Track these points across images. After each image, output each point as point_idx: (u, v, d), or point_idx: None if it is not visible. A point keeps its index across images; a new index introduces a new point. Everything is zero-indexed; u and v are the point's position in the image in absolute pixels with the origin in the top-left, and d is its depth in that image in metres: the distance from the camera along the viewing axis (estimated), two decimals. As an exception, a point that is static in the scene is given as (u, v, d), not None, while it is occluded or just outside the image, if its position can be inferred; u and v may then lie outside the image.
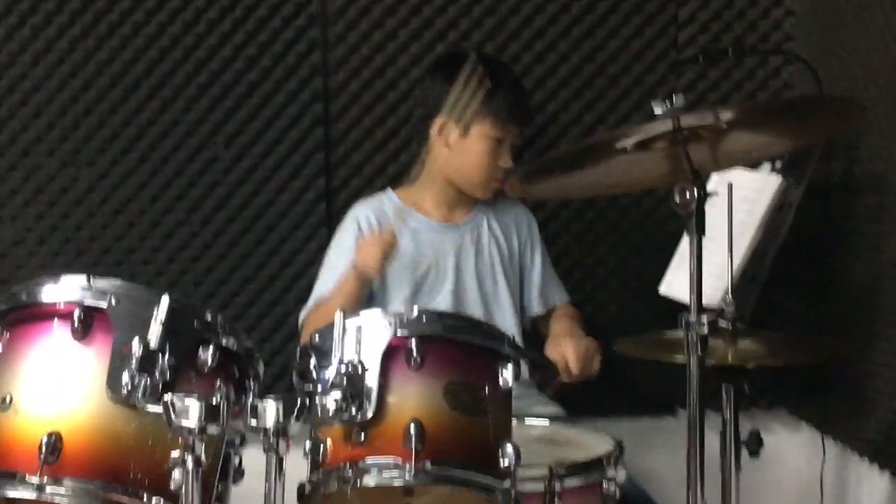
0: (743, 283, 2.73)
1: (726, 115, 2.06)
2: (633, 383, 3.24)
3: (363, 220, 2.89)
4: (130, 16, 3.06)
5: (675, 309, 2.72)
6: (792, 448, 3.33)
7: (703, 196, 2.05)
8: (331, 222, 3.14)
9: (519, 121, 2.91)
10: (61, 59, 3.06)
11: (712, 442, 2.23)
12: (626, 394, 3.27)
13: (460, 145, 2.85)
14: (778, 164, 2.88)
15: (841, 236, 2.98)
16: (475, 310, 2.91)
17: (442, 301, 2.88)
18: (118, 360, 1.89)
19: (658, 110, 2.06)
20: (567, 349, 2.75)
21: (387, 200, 2.95)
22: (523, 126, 2.96)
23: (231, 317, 3.04)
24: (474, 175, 2.88)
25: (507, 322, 2.92)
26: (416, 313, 2.03)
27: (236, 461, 2.20)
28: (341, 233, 2.93)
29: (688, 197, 2.06)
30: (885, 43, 2.76)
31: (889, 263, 2.76)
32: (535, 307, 3.05)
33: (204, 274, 3.16)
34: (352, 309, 2.64)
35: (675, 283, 2.93)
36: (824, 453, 3.07)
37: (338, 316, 2.00)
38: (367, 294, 2.83)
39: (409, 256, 2.89)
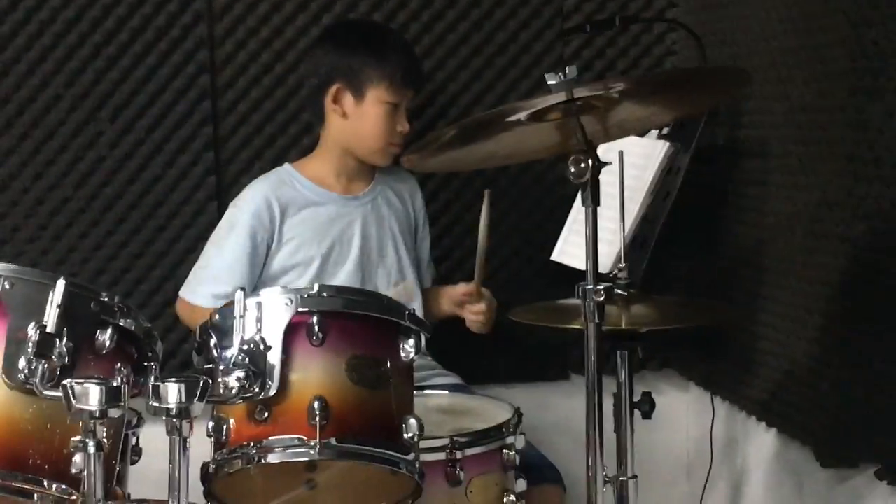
0: (633, 248, 2.77)
1: (619, 87, 2.09)
2: (527, 350, 3.29)
3: (262, 201, 2.84)
4: (9, -12, 2.98)
5: (566, 275, 2.77)
6: (682, 408, 3.41)
7: (598, 167, 2.09)
8: (220, 196, 3.10)
9: (414, 84, 2.91)
10: (-64, 33, 2.98)
11: (606, 404, 2.27)
12: (520, 360, 3.31)
13: (357, 112, 2.84)
14: (665, 130, 2.93)
15: (726, 200, 3.04)
16: (381, 281, 2.92)
17: (347, 274, 2.86)
18: (14, 346, 1.86)
19: (552, 81, 2.08)
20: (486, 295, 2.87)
21: (286, 176, 2.93)
22: (417, 89, 2.97)
23: (121, 294, 2.99)
24: (373, 141, 2.87)
25: (413, 292, 2.96)
26: (315, 289, 2.04)
27: (133, 441, 2.20)
28: (237, 210, 2.87)
29: (582, 167, 2.09)
30: (765, 9, 2.81)
31: (773, 226, 2.83)
32: (427, 280, 3.08)
33: (92, 251, 3.10)
34: None
35: (566, 250, 2.96)
36: (713, 412, 3.15)
37: (238, 294, 1.99)
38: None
39: (313, 231, 2.87)
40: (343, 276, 2.86)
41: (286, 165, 2.96)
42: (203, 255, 2.89)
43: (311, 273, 2.84)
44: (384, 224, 2.95)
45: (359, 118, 2.84)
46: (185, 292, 2.88)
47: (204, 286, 2.84)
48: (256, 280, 2.84)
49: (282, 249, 2.85)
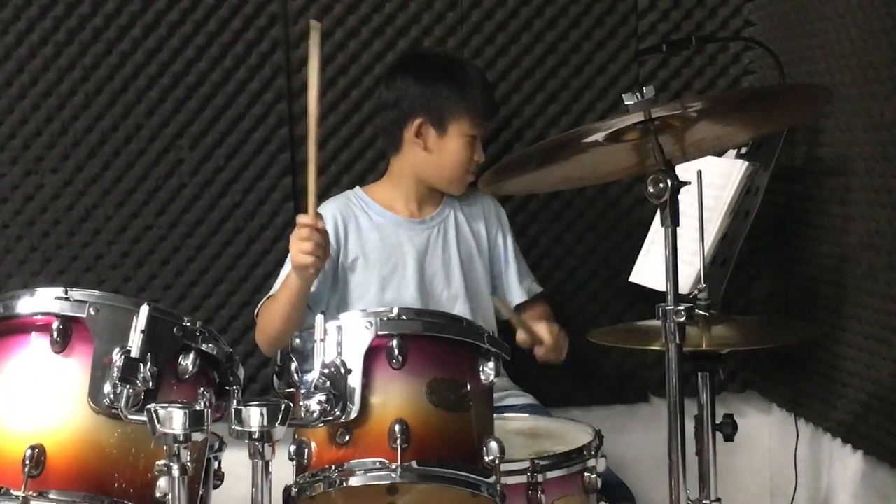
0: (713, 268, 2.75)
1: (697, 106, 2.07)
2: (606, 372, 3.27)
3: (329, 218, 2.87)
4: (90, 21, 3.03)
5: (644, 297, 2.75)
6: (765, 430, 3.36)
7: (677, 186, 2.07)
8: (298, 222, 3.13)
9: (491, 115, 2.98)
10: (20, 67, 3.03)
11: (687, 427, 2.25)
12: (599, 383, 3.29)
13: (438, 145, 2.87)
14: (743, 149, 2.90)
15: (807, 219, 3.00)
16: (447, 304, 2.91)
17: (409, 297, 2.87)
18: (99, 371, 1.89)
19: (629, 101, 2.07)
20: (541, 328, 2.82)
21: (354, 198, 2.96)
22: (492, 120, 3.02)
23: (202, 319, 3.02)
24: (453, 173, 2.90)
25: (485, 313, 2.94)
26: (395, 312, 2.05)
27: (216, 465, 2.21)
28: None
29: (661, 187, 2.08)
30: (844, 25, 2.78)
31: (855, 245, 2.78)
32: (517, 296, 3.04)
33: (173, 277, 3.14)
34: (297, 306, 2.67)
35: (644, 271, 2.95)
36: (797, 435, 3.10)
37: (318, 318, 2.01)
38: (326, 292, 2.86)
39: (377, 253, 2.89)
40: (407, 298, 2.86)
41: (356, 189, 3.00)
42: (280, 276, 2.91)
43: (371, 294, 2.86)
44: (449, 247, 2.95)
45: (440, 151, 2.87)
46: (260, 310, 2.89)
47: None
48: (327, 292, 2.86)
49: (347, 271, 2.88)
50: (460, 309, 2.91)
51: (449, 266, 2.95)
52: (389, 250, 2.91)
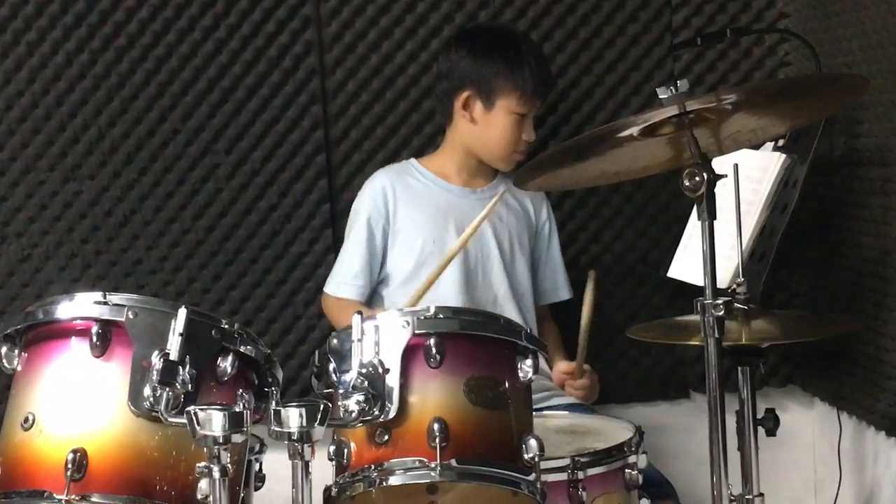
0: (752, 262, 2.73)
1: (732, 98, 2.06)
2: (646, 368, 3.26)
3: (378, 188, 2.94)
4: (125, 27, 3.04)
5: (683, 292, 2.74)
6: (807, 425, 3.34)
7: (713, 180, 2.06)
8: (335, 223, 3.14)
9: (543, 94, 2.96)
10: (57, 74, 3.04)
11: (729, 422, 2.24)
12: (639, 379, 3.28)
13: (485, 120, 2.88)
14: (780, 142, 2.88)
15: (846, 211, 2.98)
16: (497, 275, 2.93)
17: (458, 264, 2.86)
18: (139, 374, 1.90)
19: (663, 95, 2.06)
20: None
21: (407, 167, 3.01)
22: (546, 99, 3.02)
23: (241, 322, 3.03)
24: (498, 149, 2.91)
25: (525, 296, 2.97)
26: (432, 311, 2.05)
27: (256, 467, 2.22)
28: (359, 200, 2.98)
29: (697, 180, 2.07)
30: (880, 14, 2.76)
31: (896, 236, 2.76)
32: (565, 292, 3.09)
33: (211, 281, 3.15)
34: None
35: (683, 266, 2.93)
36: (840, 429, 3.08)
37: (355, 319, 2.01)
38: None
39: (426, 217, 2.92)
40: (454, 265, 2.83)
41: (411, 160, 3.05)
42: (342, 251, 2.99)
43: (422, 259, 2.87)
44: (502, 220, 2.96)
45: (486, 126, 2.89)
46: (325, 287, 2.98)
47: (334, 276, 2.97)
48: (378, 267, 2.93)
49: (397, 234, 2.91)
50: (509, 281, 2.93)
51: (500, 240, 2.95)
52: (441, 215, 2.93)
